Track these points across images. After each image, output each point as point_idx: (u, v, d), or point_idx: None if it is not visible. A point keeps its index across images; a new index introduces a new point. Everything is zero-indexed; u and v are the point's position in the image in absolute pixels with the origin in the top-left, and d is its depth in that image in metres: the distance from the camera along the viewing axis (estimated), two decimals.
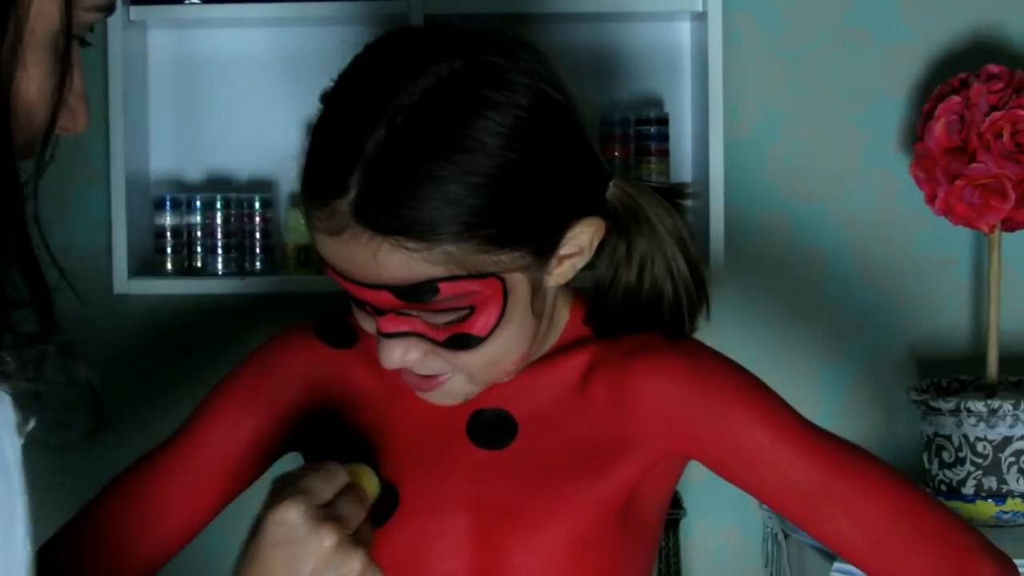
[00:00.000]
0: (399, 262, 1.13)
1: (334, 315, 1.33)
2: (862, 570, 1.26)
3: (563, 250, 1.20)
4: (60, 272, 0.92)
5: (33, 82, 0.89)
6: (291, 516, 1.07)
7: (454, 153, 1.12)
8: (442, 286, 1.14)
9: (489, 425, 1.26)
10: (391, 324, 1.18)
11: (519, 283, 1.18)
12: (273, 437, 1.29)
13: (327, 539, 1.07)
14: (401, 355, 1.18)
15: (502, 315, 1.18)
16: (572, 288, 1.29)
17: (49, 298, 0.91)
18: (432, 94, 1.12)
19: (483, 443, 1.25)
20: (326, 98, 1.17)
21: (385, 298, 1.15)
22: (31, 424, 0.91)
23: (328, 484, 1.11)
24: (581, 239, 1.21)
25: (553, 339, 1.28)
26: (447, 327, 1.17)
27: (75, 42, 0.94)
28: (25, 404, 0.91)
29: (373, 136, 1.12)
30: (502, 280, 1.16)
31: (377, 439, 1.27)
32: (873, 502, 1.23)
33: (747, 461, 1.24)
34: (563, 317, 1.28)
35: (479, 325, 1.17)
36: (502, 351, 1.20)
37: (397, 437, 1.27)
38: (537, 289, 1.20)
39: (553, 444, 1.25)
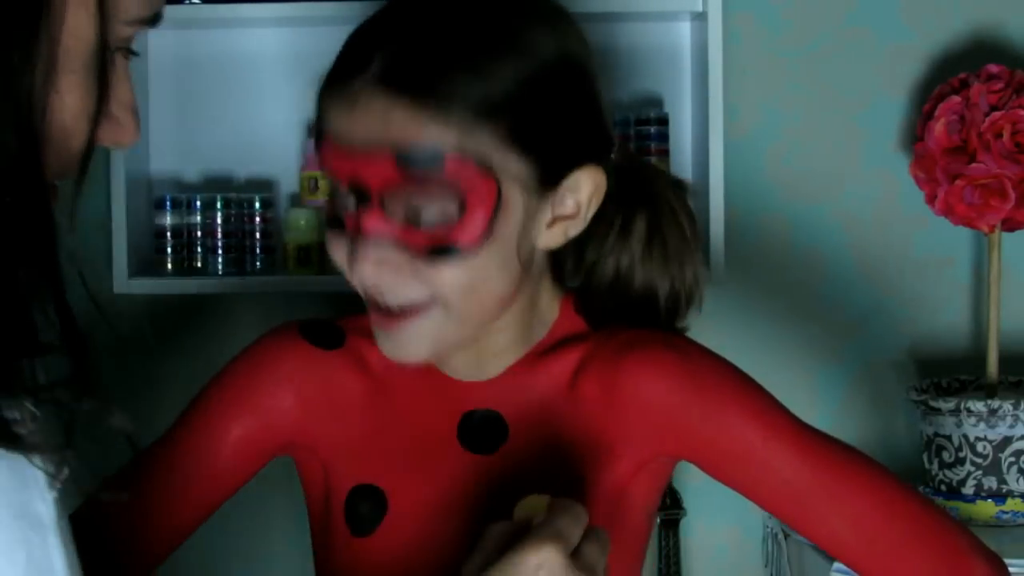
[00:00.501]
0: (412, 124, 1.13)
1: (333, 315, 1.33)
2: (855, 570, 1.26)
3: (560, 205, 1.20)
4: (82, 281, 0.90)
5: (68, 104, 0.86)
6: (555, 562, 1.06)
7: (501, 40, 1.17)
8: (448, 159, 1.14)
9: (480, 429, 1.25)
10: (372, 221, 1.16)
11: (513, 204, 1.17)
12: (261, 440, 1.28)
13: None
14: (375, 264, 1.16)
15: (490, 227, 1.16)
16: (562, 286, 1.29)
17: (85, 346, 0.88)
18: None
19: (474, 448, 1.25)
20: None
21: (384, 169, 1.14)
22: (64, 473, 0.87)
23: (577, 528, 1.08)
24: (580, 193, 1.20)
25: (542, 334, 1.27)
26: (430, 233, 1.15)
27: (119, 54, 0.90)
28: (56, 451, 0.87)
29: (408, 15, 1.17)
30: (499, 187, 1.16)
31: (366, 442, 1.26)
32: (866, 502, 1.23)
33: (739, 460, 1.24)
34: (552, 314, 1.28)
35: (466, 231, 1.15)
36: (481, 278, 1.17)
37: (386, 440, 1.26)
38: (528, 229, 1.19)
39: (543, 447, 1.24)
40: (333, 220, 1.20)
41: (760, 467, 1.23)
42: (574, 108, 1.20)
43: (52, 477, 0.85)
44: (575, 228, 1.21)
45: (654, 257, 1.27)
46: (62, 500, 0.86)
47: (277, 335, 1.31)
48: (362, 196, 1.16)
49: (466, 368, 1.26)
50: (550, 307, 1.27)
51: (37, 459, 0.84)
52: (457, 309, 1.18)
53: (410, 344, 1.19)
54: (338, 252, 1.20)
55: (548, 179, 1.19)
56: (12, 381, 0.84)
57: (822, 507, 1.23)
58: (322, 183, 2.23)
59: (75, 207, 0.90)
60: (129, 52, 0.91)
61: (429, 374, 1.27)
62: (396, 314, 1.18)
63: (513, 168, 1.16)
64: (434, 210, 1.15)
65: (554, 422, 1.25)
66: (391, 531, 1.23)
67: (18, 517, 0.82)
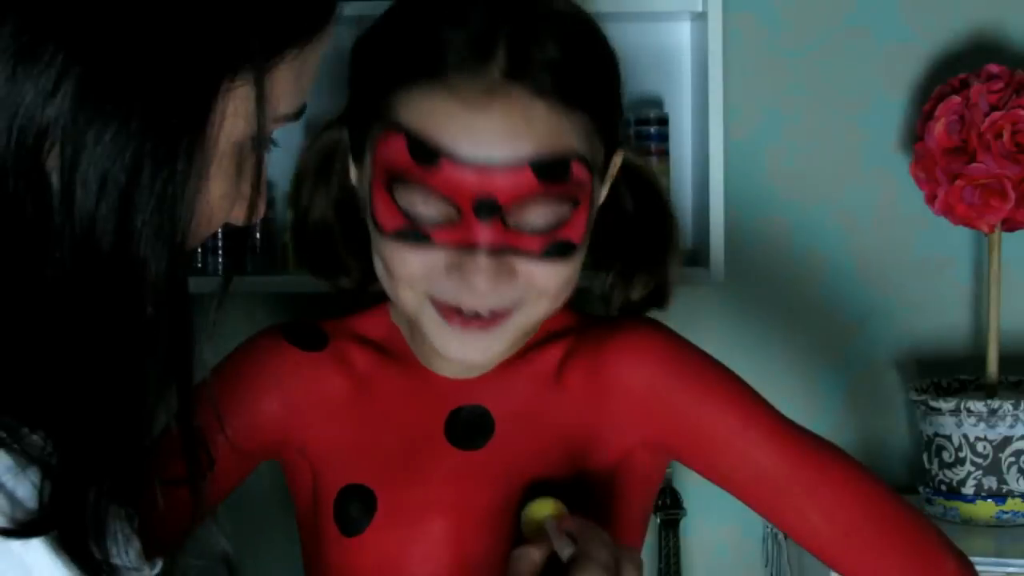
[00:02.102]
0: (553, 127, 1.11)
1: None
2: (830, 564, 1.26)
3: (603, 189, 1.22)
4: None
5: (213, 194, 0.88)
6: None
7: (601, 31, 1.18)
8: (574, 166, 1.13)
9: (467, 424, 1.25)
10: (495, 234, 1.12)
11: (596, 195, 1.19)
12: (249, 444, 1.27)
13: None
14: (494, 277, 1.13)
15: (589, 222, 1.17)
16: None
17: (205, 476, 0.90)
18: None
19: (460, 444, 1.25)
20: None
21: (523, 178, 1.11)
22: (157, 568, 0.89)
23: (612, 553, 1.07)
24: (611, 174, 1.23)
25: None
26: (544, 235, 1.14)
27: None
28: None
29: (517, 4, 1.13)
30: (592, 181, 1.17)
31: (353, 442, 1.26)
32: (842, 496, 1.24)
33: (718, 447, 1.24)
34: None
35: (575, 229, 1.15)
36: (577, 269, 1.18)
37: (374, 440, 1.25)
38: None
39: (529, 442, 1.24)
40: (408, 234, 1.14)
41: (739, 455, 1.24)
42: (623, 95, 1.22)
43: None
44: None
45: (639, 260, 1.28)
46: None
47: (260, 339, 1.30)
48: (485, 209, 1.12)
49: (452, 365, 1.26)
50: None
51: None
52: (555, 303, 1.18)
53: (491, 347, 1.18)
54: (414, 267, 1.15)
55: (607, 166, 1.21)
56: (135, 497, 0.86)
57: (799, 499, 1.23)
58: None
59: (221, 305, 0.95)
60: (270, 141, 0.93)
61: (414, 372, 1.27)
62: (484, 319, 1.16)
63: (598, 160, 1.17)
64: (551, 213, 1.14)
65: (540, 415, 1.25)
66: (381, 530, 1.23)
67: None
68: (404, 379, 1.26)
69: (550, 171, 1.11)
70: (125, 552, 0.85)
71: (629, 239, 1.28)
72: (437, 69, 1.11)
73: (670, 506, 2.27)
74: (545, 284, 1.16)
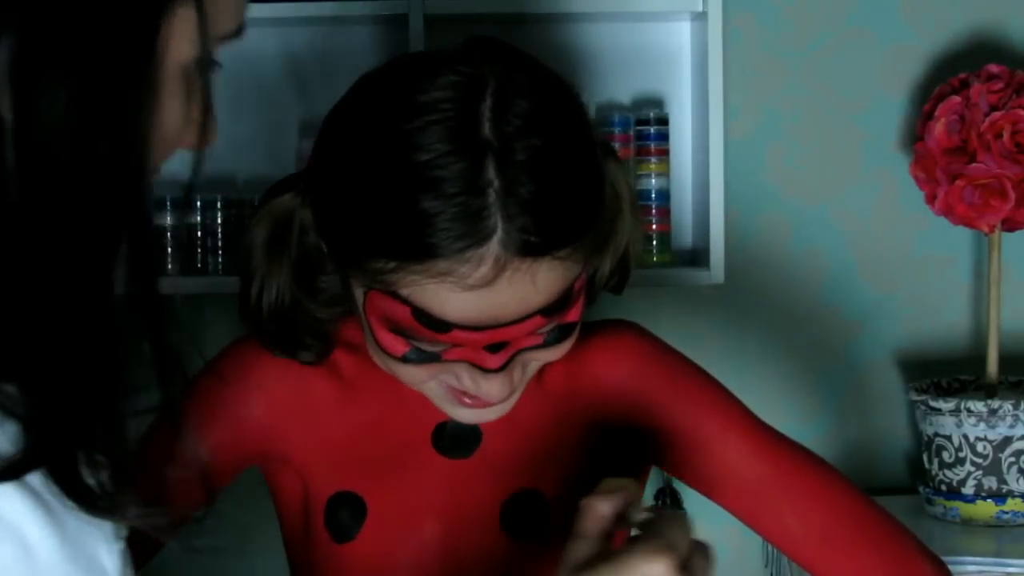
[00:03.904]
0: (557, 277, 1.10)
1: None
2: (806, 567, 1.26)
3: None
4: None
5: (165, 120, 0.88)
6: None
7: (574, 151, 1.11)
8: (575, 285, 1.13)
9: (454, 435, 1.24)
10: (505, 358, 1.13)
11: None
12: (234, 451, 1.26)
13: None
14: (508, 383, 1.14)
15: (585, 303, 1.17)
16: None
17: (181, 391, 0.89)
18: (527, 111, 1.09)
19: (448, 452, 1.24)
20: (366, 156, 1.10)
21: (533, 323, 1.12)
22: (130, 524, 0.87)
23: (686, 539, 1.01)
24: None
25: None
26: (547, 330, 1.15)
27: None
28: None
29: (493, 164, 1.07)
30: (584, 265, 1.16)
31: (341, 449, 1.25)
32: (819, 498, 1.24)
33: (694, 447, 1.24)
34: None
35: (574, 313, 1.15)
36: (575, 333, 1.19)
37: (362, 446, 1.25)
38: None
39: (517, 447, 1.24)
40: (415, 356, 1.14)
41: (715, 456, 1.24)
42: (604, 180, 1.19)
43: (120, 528, 0.86)
44: None
45: (627, 253, 1.27)
46: (126, 551, 0.87)
47: (245, 344, 1.29)
48: (495, 348, 1.13)
49: None
50: None
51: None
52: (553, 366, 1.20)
53: (504, 410, 1.19)
54: (418, 376, 1.15)
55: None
56: (98, 435, 0.85)
57: (775, 502, 1.24)
58: None
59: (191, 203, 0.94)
60: (214, 63, 0.93)
61: (400, 382, 1.25)
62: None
63: (591, 244, 1.16)
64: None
65: (525, 421, 1.24)
66: (372, 536, 1.23)
67: (86, 571, 0.83)
68: (391, 386, 1.25)
69: (556, 307, 1.12)
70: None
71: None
72: (431, 253, 1.08)
73: (670, 506, 2.27)
74: (553, 358, 1.18)
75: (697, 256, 2.28)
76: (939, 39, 2.33)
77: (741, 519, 1.27)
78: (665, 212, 2.26)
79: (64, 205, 0.81)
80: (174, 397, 0.89)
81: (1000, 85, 2.11)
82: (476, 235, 1.06)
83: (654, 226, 2.25)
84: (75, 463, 0.82)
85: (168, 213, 2.27)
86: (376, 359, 1.21)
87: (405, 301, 1.10)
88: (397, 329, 1.13)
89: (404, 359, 1.14)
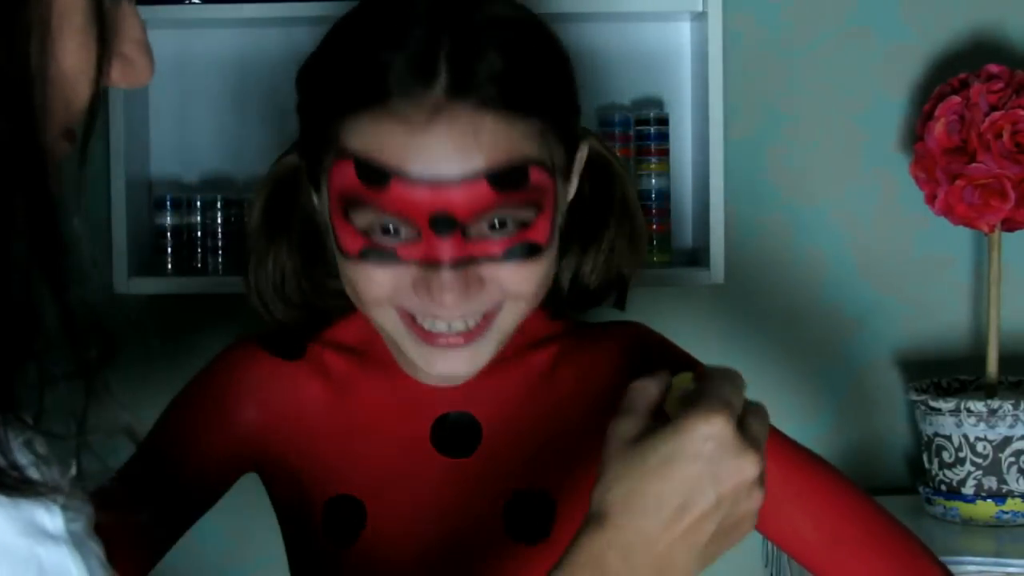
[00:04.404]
0: (502, 138, 1.09)
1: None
2: (817, 573, 1.25)
3: (571, 186, 1.20)
4: (94, 263, 0.86)
5: (71, 55, 0.82)
6: (725, 434, 0.97)
7: (547, 32, 1.16)
8: (532, 171, 1.11)
9: (454, 432, 1.23)
10: (457, 248, 1.10)
11: (560, 195, 1.17)
12: (230, 457, 1.26)
13: (751, 469, 0.98)
14: (461, 289, 1.11)
15: (553, 223, 1.15)
16: None
17: (95, 339, 0.85)
18: None
19: (449, 452, 1.24)
20: (336, 31, 1.17)
21: (479, 191, 1.09)
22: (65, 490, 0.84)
23: (740, 398, 0.99)
24: (577, 171, 1.21)
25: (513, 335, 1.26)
26: (507, 238, 1.12)
27: None
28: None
29: (450, 22, 1.11)
30: (555, 182, 1.15)
31: (337, 452, 1.24)
32: (829, 502, 1.23)
33: None
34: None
35: (540, 230, 1.13)
36: (549, 268, 1.16)
37: (358, 449, 1.24)
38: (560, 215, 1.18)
39: (519, 446, 1.23)
40: (371, 253, 1.13)
41: None
42: (577, 91, 1.20)
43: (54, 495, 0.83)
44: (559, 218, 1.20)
45: (613, 258, 1.26)
46: (72, 507, 0.84)
47: (236, 349, 1.29)
48: (442, 225, 1.10)
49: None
50: None
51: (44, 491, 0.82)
52: (531, 303, 1.16)
53: (476, 358, 1.16)
54: (382, 285, 1.13)
55: (571, 163, 1.19)
56: (14, 398, 0.81)
57: (786, 505, 1.23)
58: None
59: (85, 157, 0.87)
60: None
61: (396, 380, 1.25)
62: (463, 333, 1.14)
63: (558, 161, 1.15)
64: (511, 218, 1.12)
65: (529, 418, 1.24)
66: (373, 540, 1.22)
67: (23, 534, 0.80)
68: (386, 387, 1.25)
69: (506, 180, 1.10)
70: (35, 468, 0.81)
71: (583, 221, 1.26)
72: (380, 95, 1.10)
73: None
74: (516, 287, 1.14)
75: (697, 256, 2.28)
76: (939, 39, 2.33)
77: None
78: (665, 212, 2.27)
79: None
80: (87, 362, 0.85)
81: (1000, 85, 2.11)
82: (423, 74, 1.09)
83: (654, 226, 2.25)
84: None
85: (168, 213, 2.27)
86: (352, 297, 1.18)
87: (351, 155, 1.11)
88: (351, 204, 1.12)
89: (362, 255, 1.12)
